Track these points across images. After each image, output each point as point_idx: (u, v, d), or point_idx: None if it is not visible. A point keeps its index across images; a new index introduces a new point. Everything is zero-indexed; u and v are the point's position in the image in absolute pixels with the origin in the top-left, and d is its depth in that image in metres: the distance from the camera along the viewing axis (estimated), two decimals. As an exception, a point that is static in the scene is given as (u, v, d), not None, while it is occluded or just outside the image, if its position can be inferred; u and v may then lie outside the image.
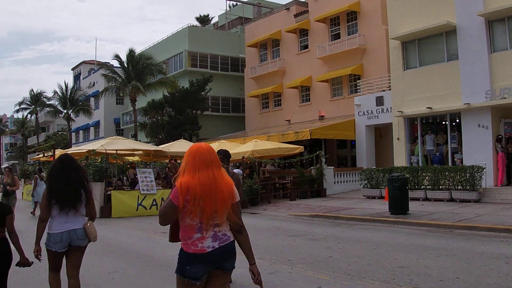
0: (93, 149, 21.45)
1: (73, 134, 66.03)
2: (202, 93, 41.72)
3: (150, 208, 20.94)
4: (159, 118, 41.42)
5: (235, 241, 4.31)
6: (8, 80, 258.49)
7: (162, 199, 21.11)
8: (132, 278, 8.94)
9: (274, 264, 9.69)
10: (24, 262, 6.05)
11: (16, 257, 6.01)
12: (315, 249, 11.42)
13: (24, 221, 18.39)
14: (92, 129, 67.56)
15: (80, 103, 59.32)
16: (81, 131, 71.36)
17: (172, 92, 40.83)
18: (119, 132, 52.84)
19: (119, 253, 11.62)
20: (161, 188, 22.48)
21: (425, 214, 16.76)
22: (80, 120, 67.21)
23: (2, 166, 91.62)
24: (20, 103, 70.66)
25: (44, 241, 6.23)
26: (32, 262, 6.16)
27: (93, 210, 6.50)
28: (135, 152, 25.89)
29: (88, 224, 6.29)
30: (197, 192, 4.04)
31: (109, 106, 62.44)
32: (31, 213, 22.05)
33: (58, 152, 30.91)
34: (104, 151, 21.56)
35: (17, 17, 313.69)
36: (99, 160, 21.13)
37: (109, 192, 20.88)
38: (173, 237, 4.48)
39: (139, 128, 42.81)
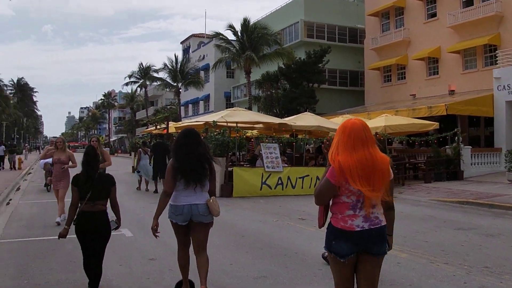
0: (213, 121, 19.71)
1: (182, 107, 65.65)
2: (320, 65, 39.48)
3: (275, 188, 19.09)
4: (273, 91, 39.72)
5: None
6: (117, 57, 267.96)
7: (289, 178, 19.33)
8: (288, 288, 6.77)
9: (472, 274, 7.36)
10: (118, 224, 6.47)
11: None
12: (504, 250, 9.11)
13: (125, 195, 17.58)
14: (201, 103, 67.23)
15: (190, 76, 58.65)
16: (190, 105, 71.34)
17: (288, 64, 38.93)
18: (230, 106, 51.72)
19: (258, 247, 9.28)
20: (286, 165, 20.39)
21: None
22: (189, 94, 67.23)
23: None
24: (130, 76, 71.63)
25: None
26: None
27: (214, 185, 6.25)
28: (255, 126, 24.16)
29: (211, 200, 6.01)
30: (358, 172, 3.84)
31: (220, 79, 61.69)
32: (137, 188, 21.23)
33: (171, 125, 29.99)
34: (225, 123, 19.91)
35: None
36: (221, 133, 19.40)
37: (230, 169, 19.22)
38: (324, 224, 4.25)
39: (253, 102, 41.31)
